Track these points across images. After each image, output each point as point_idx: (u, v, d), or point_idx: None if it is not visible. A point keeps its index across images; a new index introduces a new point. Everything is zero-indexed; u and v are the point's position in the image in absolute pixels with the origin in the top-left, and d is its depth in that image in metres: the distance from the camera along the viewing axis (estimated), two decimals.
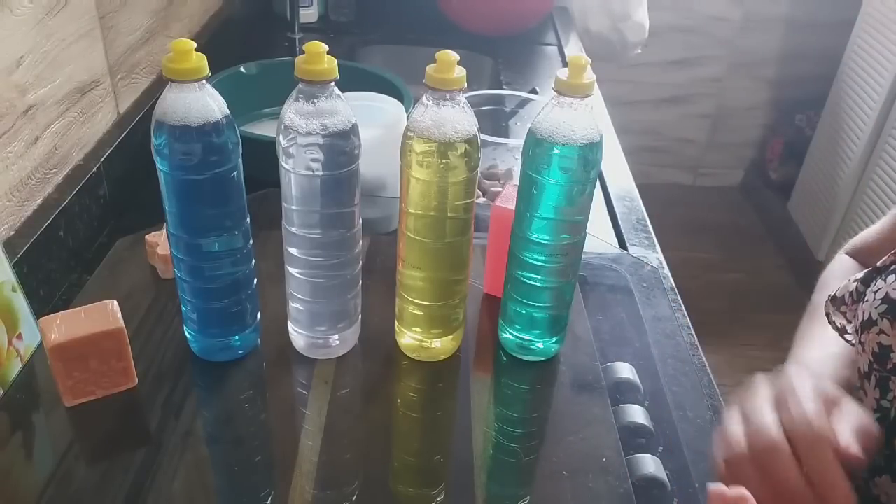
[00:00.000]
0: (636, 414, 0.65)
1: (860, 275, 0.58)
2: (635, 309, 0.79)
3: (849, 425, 0.47)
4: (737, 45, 2.53)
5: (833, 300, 0.60)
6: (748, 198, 2.77)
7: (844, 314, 0.59)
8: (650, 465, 0.60)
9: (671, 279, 0.87)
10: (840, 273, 0.74)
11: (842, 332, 0.60)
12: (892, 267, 0.54)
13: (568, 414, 0.67)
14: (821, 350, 0.65)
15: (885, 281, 0.53)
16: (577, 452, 0.62)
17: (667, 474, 0.60)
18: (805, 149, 2.41)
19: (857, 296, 0.57)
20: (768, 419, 0.47)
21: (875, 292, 0.54)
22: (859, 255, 0.76)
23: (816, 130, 2.36)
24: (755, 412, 0.48)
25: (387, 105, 1.00)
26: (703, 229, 2.60)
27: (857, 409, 0.50)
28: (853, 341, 0.59)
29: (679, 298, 0.83)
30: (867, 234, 0.76)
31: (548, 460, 0.62)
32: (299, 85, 0.58)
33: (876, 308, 0.53)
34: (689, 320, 0.80)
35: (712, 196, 2.80)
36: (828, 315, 0.61)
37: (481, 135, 0.61)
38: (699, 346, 0.76)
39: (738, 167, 2.81)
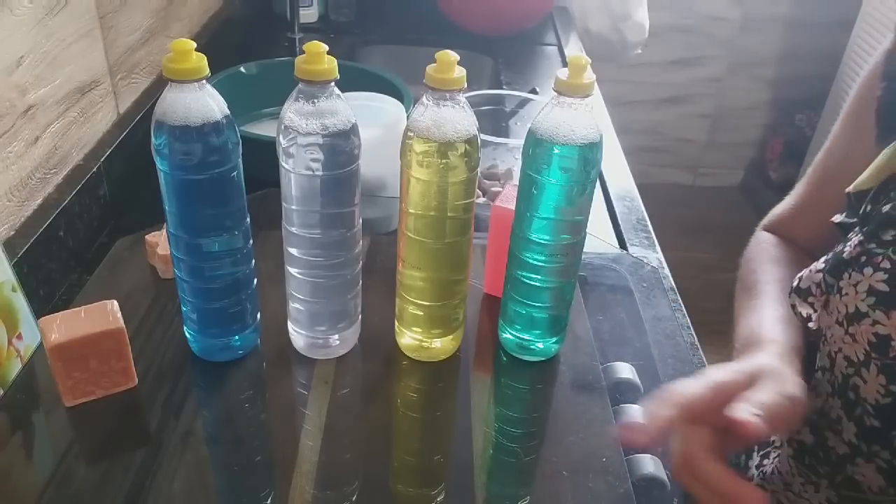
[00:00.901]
0: (636, 414, 0.65)
1: (821, 264, 0.60)
2: (635, 309, 0.79)
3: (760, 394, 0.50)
4: (737, 45, 2.53)
5: (798, 291, 0.61)
6: (748, 198, 2.77)
7: (812, 304, 0.60)
8: (650, 465, 0.60)
9: (671, 279, 0.87)
10: (762, 249, 0.78)
11: (806, 320, 0.61)
12: (864, 259, 0.55)
13: (568, 414, 0.67)
14: (760, 316, 0.67)
15: (862, 273, 0.55)
16: (577, 452, 0.62)
17: (667, 474, 0.60)
18: (805, 149, 2.41)
19: (827, 287, 0.59)
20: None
21: (855, 285, 0.55)
22: (777, 229, 0.80)
23: (816, 130, 2.36)
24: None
25: (387, 105, 1.00)
26: (703, 229, 2.60)
27: (776, 380, 0.52)
28: (816, 327, 0.60)
29: (679, 298, 0.83)
30: (782, 207, 0.80)
31: (548, 460, 0.62)
32: (299, 85, 0.58)
33: (863, 300, 0.54)
34: (689, 320, 0.80)
35: (712, 196, 2.80)
36: (793, 306, 0.62)
37: (481, 135, 0.61)
38: (699, 346, 0.76)
39: (738, 167, 2.82)
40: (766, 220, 0.82)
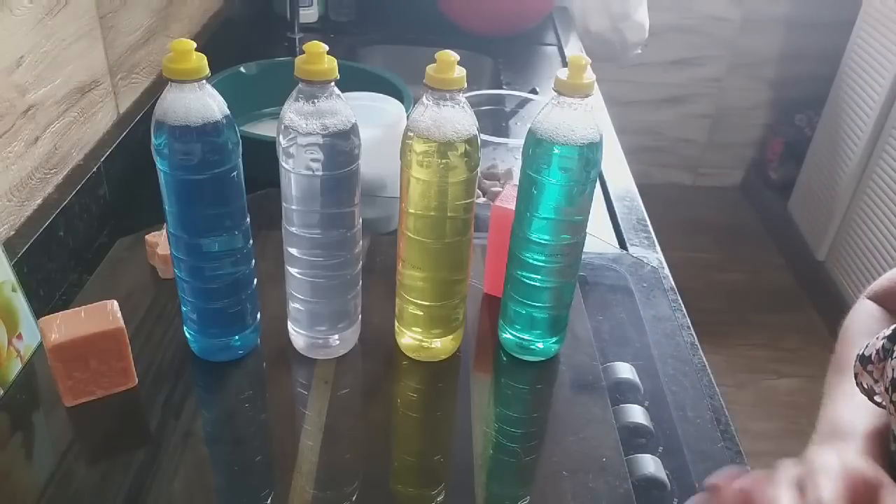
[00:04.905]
0: (636, 414, 0.65)
1: (888, 331, 0.55)
2: (635, 309, 0.79)
3: None
4: (737, 45, 2.53)
5: (861, 359, 0.57)
6: (748, 198, 2.77)
7: (871, 374, 0.56)
8: (650, 465, 0.60)
9: (671, 279, 0.87)
10: (863, 321, 0.71)
11: (870, 394, 0.57)
12: None
13: (568, 414, 0.67)
14: (850, 402, 0.62)
15: None
16: (577, 452, 0.62)
17: (667, 474, 0.60)
18: (805, 149, 2.41)
19: (884, 353, 0.54)
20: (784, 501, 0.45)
21: None
22: (881, 300, 0.73)
23: (816, 130, 2.36)
24: (776, 498, 0.46)
25: (387, 105, 1.00)
26: (703, 229, 2.60)
27: None
28: (883, 403, 0.55)
29: (679, 298, 0.83)
30: (888, 277, 0.73)
31: (548, 460, 0.62)
32: (299, 85, 0.58)
33: None
34: (689, 320, 0.80)
35: (712, 196, 2.80)
36: (856, 376, 0.57)
37: (481, 135, 0.61)
38: (699, 346, 0.76)
39: (738, 167, 2.81)
40: (870, 290, 0.75)
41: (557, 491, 0.59)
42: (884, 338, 0.55)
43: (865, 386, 0.57)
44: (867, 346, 0.57)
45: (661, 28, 2.37)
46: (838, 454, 0.49)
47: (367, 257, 0.81)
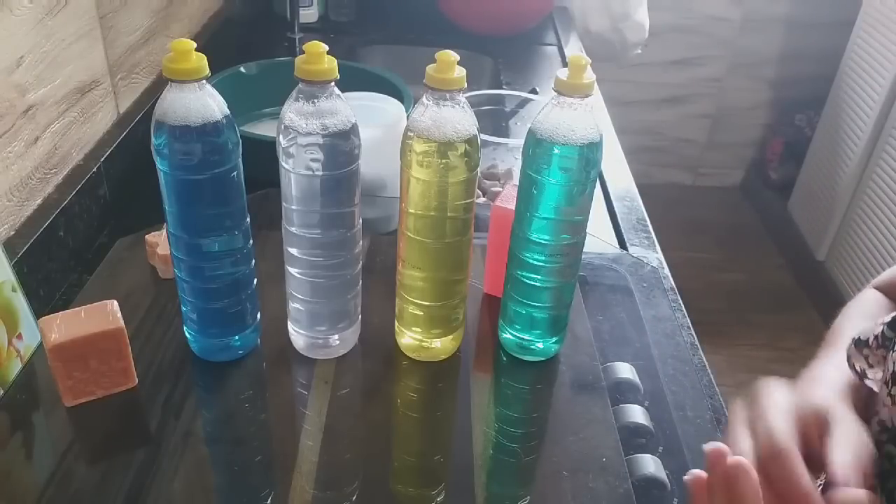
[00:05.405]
0: (636, 414, 0.65)
1: (888, 318, 0.55)
2: (635, 309, 0.79)
3: (842, 450, 0.45)
4: (737, 45, 2.53)
5: (857, 342, 0.56)
6: (748, 198, 2.77)
7: (867, 358, 0.55)
8: (650, 465, 0.60)
9: (671, 279, 0.87)
10: (865, 306, 0.70)
11: (861, 376, 0.56)
12: None
13: (568, 414, 0.67)
14: (838, 372, 0.60)
15: None
16: (577, 452, 0.62)
17: (667, 474, 0.60)
18: (805, 149, 2.41)
19: (883, 340, 0.54)
20: (742, 444, 0.46)
21: None
22: (887, 290, 0.72)
23: (816, 130, 2.36)
24: (733, 435, 0.47)
25: (387, 105, 1.00)
26: (703, 229, 2.60)
27: (847, 428, 0.47)
28: (875, 388, 0.56)
29: (679, 298, 0.83)
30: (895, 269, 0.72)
31: (548, 460, 0.62)
32: (299, 85, 0.58)
33: None
34: (689, 320, 0.80)
35: (712, 196, 2.80)
36: (849, 358, 0.57)
37: (481, 135, 0.61)
38: (699, 346, 0.76)
39: (738, 167, 2.82)
40: (878, 280, 0.74)
41: (557, 491, 0.59)
42: (883, 324, 0.55)
43: (858, 369, 0.57)
44: (864, 332, 0.57)
45: (661, 28, 2.37)
46: (788, 388, 0.50)
47: (367, 257, 0.81)
